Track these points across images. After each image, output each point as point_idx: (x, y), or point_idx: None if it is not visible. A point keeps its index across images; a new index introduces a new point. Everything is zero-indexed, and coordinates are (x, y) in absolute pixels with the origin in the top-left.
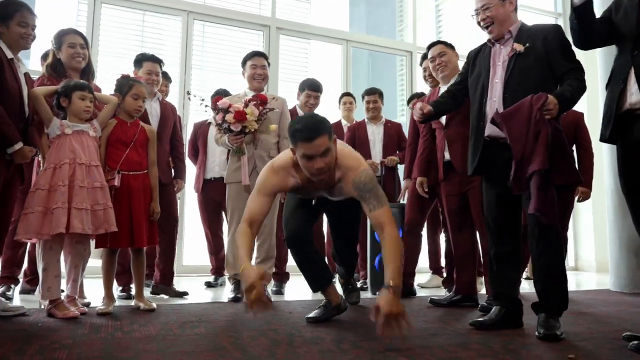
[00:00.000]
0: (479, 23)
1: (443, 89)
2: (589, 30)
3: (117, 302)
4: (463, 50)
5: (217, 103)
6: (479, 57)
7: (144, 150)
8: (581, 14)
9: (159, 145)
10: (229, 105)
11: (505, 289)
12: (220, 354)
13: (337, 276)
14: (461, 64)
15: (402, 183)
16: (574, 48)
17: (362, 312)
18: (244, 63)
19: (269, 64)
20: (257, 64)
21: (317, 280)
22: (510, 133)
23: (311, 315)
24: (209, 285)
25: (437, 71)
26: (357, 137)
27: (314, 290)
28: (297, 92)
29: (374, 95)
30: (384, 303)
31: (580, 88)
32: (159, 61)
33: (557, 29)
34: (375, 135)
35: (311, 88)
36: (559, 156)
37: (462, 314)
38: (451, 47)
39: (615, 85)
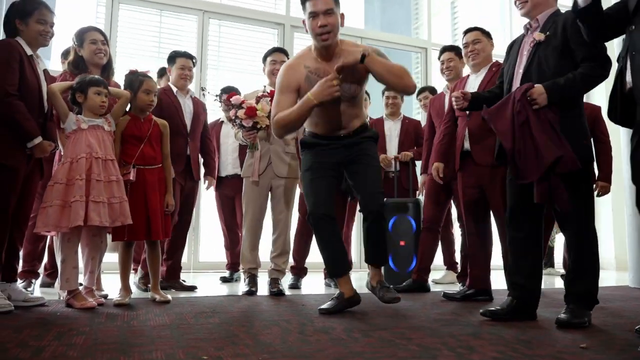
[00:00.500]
0: (515, 1)
1: (472, 78)
2: (598, 26)
3: (134, 294)
4: None
5: (231, 99)
6: (514, 46)
7: (158, 144)
8: (586, 14)
9: (191, 141)
10: (242, 101)
11: (518, 278)
12: (232, 341)
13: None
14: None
15: (420, 178)
16: None
17: (372, 306)
18: (264, 59)
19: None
20: (277, 60)
21: (337, 263)
22: (496, 128)
23: (324, 306)
24: (224, 280)
25: (469, 58)
26: None
27: (332, 274)
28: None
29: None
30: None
31: (585, 77)
32: (191, 57)
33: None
34: (392, 130)
35: None
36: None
37: (476, 307)
38: (488, 34)
39: (619, 63)
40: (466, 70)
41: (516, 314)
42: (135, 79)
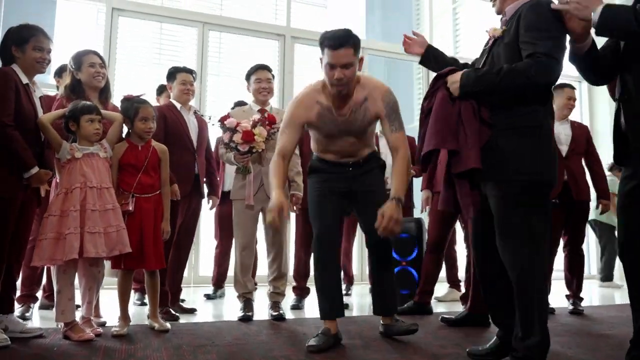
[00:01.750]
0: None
1: None
2: (594, 70)
3: (133, 321)
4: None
5: (225, 122)
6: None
7: (156, 172)
8: (579, 63)
9: (198, 157)
10: (237, 124)
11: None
12: None
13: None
14: None
15: (422, 194)
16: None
17: (374, 335)
18: (248, 77)
19: (273, 76)
20: (262, 78)
21: (332, 309)
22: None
23: (312, 343)
24: (208, 297)
25: None
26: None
27: (324, 317)
28: None
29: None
30: (388, 210)
31: (512, 71)
32: (191, 71)
33: (531, 5)
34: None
35: None
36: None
37: (476, 334)
38: None
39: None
40: None
41: (498, 354)
42: (131, 107)
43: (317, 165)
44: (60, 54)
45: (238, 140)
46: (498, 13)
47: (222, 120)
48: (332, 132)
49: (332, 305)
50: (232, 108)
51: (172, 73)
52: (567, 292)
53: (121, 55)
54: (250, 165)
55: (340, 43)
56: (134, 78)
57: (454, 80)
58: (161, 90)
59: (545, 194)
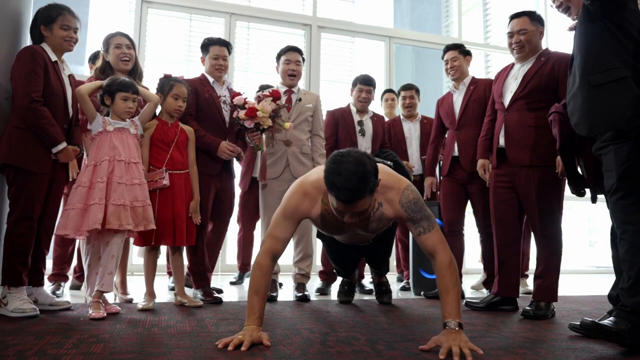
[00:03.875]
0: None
1: (516, 67)
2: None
3: (162, 299)
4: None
5: (233, 100)
6: None
7: (184, 150)
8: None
9: (229, 137)
10: (245, 101)
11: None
12: (251, 352)
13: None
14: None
15: (426, 180)
16: None
17: (399, 314)
18: (278, 57)
19: (303, 59)
20: (291, 59)
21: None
22: None
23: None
24: (233, 283)
25: (513, 50)
26: (394, 135)
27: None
28: (350, 89)
29: (411, 90)
30: (447, 343)
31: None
32: (226, 44)
33: None
34: (412, 132)
35: (363, 82)
36: None
37: (504, 317)
38: (538, 20)
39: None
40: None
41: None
42: (167, 83)
43: (326, 237)
44: (94, 42)
45: (242, 116)
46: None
47: (231, 98)
48: (338, 232)
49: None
50: (257, 91)
51: (206, 45)
52: None
53: (150, 50)
54: (263, 143)
55: (354, 198)
56: (165, 66)
57: None
58: (95, 57)
59: None
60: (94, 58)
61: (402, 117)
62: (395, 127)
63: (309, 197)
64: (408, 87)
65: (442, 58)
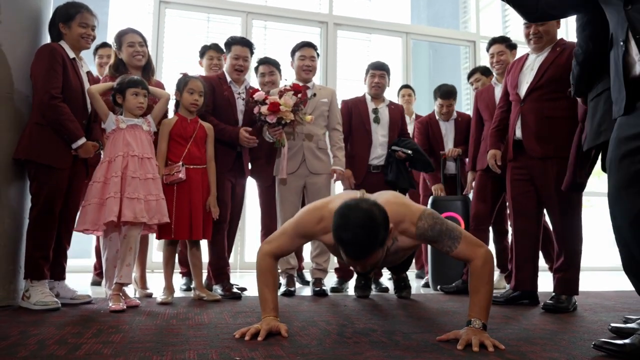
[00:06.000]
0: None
1: (531, 58)
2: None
3: (176, 294)
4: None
5: (253, 95)
6: None
7: (203, 146)
8: None
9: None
10: (266, 97)
11: None
12: (268, 342)
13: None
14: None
15: (469, 175)
16: None
17: (417, 306)
18: (292, 53)
19: (318, 55)
20: (306, 55)
21: None
22: None
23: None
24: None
25: (530, 41)
26: (432, 134)
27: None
28: (363, 78)
29: (449, 100)
30: (471, 336)
31: None
32: (249, 45)
33: None
34: (448, 131)
35: (375, 67)
36: None
37: (523, 310)
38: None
39: (617, 49)
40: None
41: None
42: (182, 80)
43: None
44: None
45: (265, 112)
46: None
47: (251, 94)
48: (352, 264)
49: None
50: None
51: (228, 44)
52: None
53: (168, 50)
54: (284, 138)
55: (363, 254)
56: (183, 67)
57: None
58: (203, 51)
59: None
60: (96, 50)
61: (438, 116)
62: (433, 127)
63: (323, 223)
64: (448, 96)
65: (487, 51)
